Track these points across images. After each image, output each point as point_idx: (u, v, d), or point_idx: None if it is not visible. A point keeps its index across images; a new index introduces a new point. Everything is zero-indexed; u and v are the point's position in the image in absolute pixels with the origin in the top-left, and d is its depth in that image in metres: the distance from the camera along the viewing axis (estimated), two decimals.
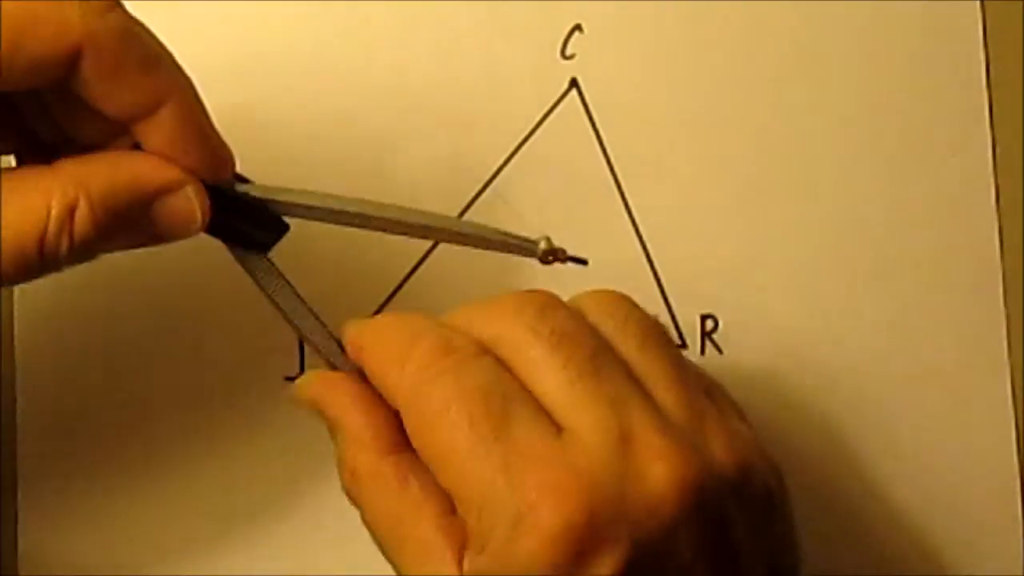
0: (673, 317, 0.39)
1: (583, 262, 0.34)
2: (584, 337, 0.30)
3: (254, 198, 0.32)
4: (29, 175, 0.29)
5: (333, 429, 0.32)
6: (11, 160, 0.31)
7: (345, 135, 0.40)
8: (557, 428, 0.29)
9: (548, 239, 0.33)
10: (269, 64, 0.40)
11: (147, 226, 0.30)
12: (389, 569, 0.39)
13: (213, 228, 0.31)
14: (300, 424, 0.39)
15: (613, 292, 0.33)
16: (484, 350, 0.30)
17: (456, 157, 0.40)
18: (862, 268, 0.40)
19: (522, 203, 0.40)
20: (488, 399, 0.29)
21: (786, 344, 0.39)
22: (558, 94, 0.40)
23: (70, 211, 0.28)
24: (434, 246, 0.40)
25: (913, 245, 0.40)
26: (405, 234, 0.33)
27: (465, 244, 0.33)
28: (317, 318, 0.33)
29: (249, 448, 0.39)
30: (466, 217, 0.40)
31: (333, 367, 0.33)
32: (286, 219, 0.32)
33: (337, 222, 0.33)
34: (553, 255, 0.33)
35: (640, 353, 0.31)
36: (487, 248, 0.33)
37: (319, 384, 0.33)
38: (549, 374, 0.30)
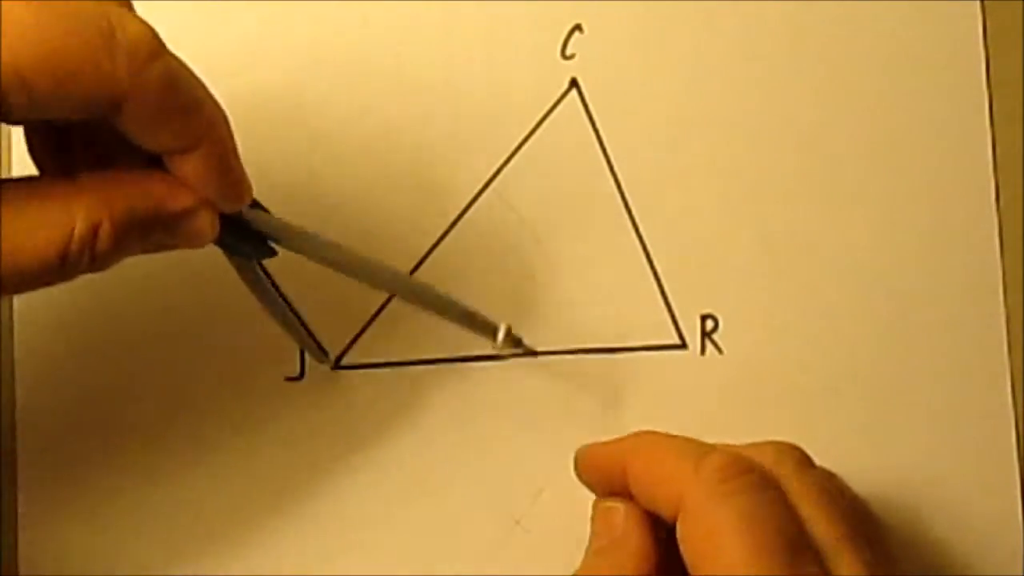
0: (673, 317, 0.39)
1: (534, 354, 0.37)
2: (841, 497, 0.32)
3: (254, 225, 0.33)
4: (54, 189, 0.29)
5: (606, 540, 0.34)
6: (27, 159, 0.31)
7: (345, 135, 0.40)
8: None
9: (509, 328, 0.36)
10: (268, 64, 0.40)
11: (159, 239, 0.31)
12: (388, 568, 0.39)
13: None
14: (300, 424, 0.39)
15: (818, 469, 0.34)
16: (771, 482, 0.31)
17: (456, 157, 0.40)
18: (862, 268, 0.40)
19: (522, 203, 0.40)
20: (783, 535, 0.30)
21: (786, 344, 0.39)
22: (558, 94, 0.40)
23: (93, 230, 0.29)
24: (434, 246, 0.40)
25: (913, 245, 0.40)
26: (381, 289, 0.36)
27: (432, 311, 0.36)
28: (297, 316, 0.37)
29: (249, 448, 0.39)
30: (466, 217, 0.40)
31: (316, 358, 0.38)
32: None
33: (324, 264, 0.34)
34: (506, 345, 0.36)
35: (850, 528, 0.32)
36: (450, 319, 0.36)
37: (609, 506, 0.34)
38: (821, 527, 0.31)
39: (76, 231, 0.29)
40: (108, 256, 0.30)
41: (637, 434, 0.35)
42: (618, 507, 0.34)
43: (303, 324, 0.38)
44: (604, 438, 0.38)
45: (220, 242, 0.33)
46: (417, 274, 0.39)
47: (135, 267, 0.38)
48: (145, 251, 0.31)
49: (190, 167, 0.30)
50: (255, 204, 0.33)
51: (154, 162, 0.31)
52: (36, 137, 0.31)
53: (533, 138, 0.40)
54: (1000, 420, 0.39)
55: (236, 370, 0.39)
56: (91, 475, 0.39)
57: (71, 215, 0.29)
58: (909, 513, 0.39)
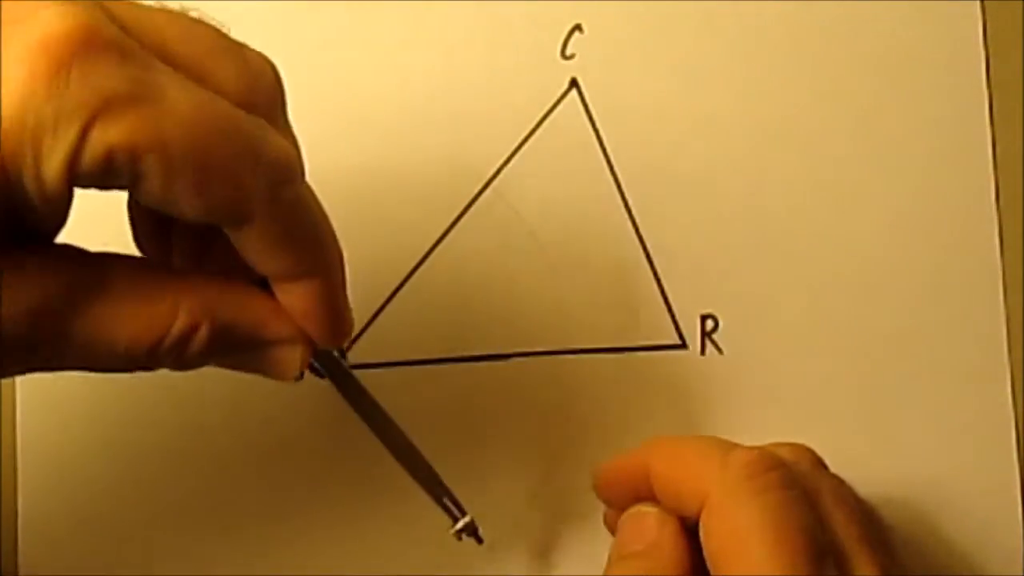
0: (673, 317, 0.40)
1: (479, 541, 0.36)
2: (854, 500, 0.32)
3: (325, 364, 0.33)
4: (162, 279, 0.28)
5: (639, 545, 0.33)
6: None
7: (345, 135, 0.40)
8: None
9: (472, 520, 0.36)
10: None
11: (247, 360, 0.30)
12: (387, 568, 0.39)
13: None
14: (300, 425, 0.39)
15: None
16: (796, 480, 0.31)
17: (456, 157, 0.40)
18: (862, 268, 0.40)
19: (522, 203, 0.40)
20: (807, 535, 0.29)
21: (786, 344, 0.39)
22: (558, 94, 0.40)
23: (191, 331, 0.28)
24: (434, 246, 0.40)
25: (913, 245, 0.40)
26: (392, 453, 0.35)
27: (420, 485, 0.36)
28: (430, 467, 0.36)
29: (249, 448, 0.39)
30: (466, 217, 0.40)
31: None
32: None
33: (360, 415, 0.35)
34: (465, 532, 0.36)
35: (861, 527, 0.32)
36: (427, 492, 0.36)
37: (641, 511, 0.34)
38: (839, 528, 0.31)
39: (175, 327, 0.28)
40: (193, 360, 0.29)
41: (657, 438, 0.35)
42: (651, 511, 0.33)
43: (437, 478, 0.36)
44: (604, 438, 0.38)
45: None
46: (417, 272, 0.40)
47: None
48: (223, 365, 0.30)
49: (297, 297, 0.29)
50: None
51: (252, 277, 0.30)
52: (140, 215, 0.30)
53: (533, 138, 0.40)
54: (1000, 420, 0.39)
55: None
56: (91, 475, 0.39)
57: (174, 311, 0.28)
58: (909, 513, 0.39)
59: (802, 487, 0.31)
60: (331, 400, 0.39)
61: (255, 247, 0.28)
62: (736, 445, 0.32)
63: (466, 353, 0.39)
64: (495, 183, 0.40)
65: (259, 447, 0.39)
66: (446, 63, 0.41)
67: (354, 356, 0.39)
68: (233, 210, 0.27)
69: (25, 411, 0.39)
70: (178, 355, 0.28)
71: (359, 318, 0.40)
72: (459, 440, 0.39)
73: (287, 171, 0.28)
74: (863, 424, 0.39)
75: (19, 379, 0.39)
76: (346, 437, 0.39)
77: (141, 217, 0.31)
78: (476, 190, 0.40)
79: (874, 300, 0.39)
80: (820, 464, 0.34)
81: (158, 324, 0.28)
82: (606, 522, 0.37)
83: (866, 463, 0.38)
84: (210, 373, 0.39)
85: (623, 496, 0.35)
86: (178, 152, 0.25)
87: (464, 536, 0.35)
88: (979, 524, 0.39)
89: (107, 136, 0.24)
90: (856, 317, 0.39)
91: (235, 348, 0.30)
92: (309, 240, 0.29)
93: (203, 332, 0.28)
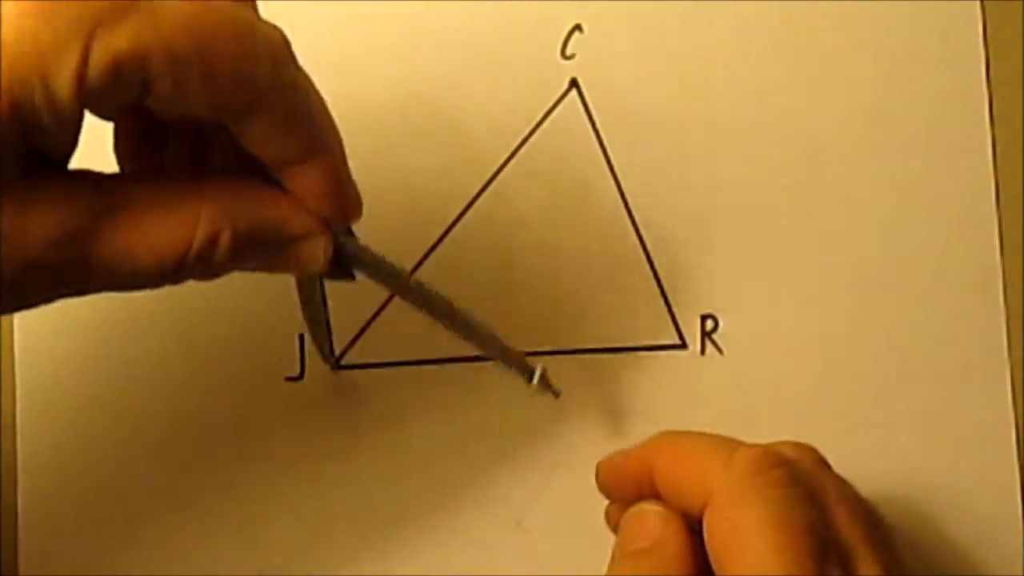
0: (673, 317, 0.39)
1: (557, 394, 0.37)
2: (856, 499, 0.32)
3: (350, 253, 0.32)
4: (180, 191, 0.29)
5: (644, 543, 0.33)
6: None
7: (344, 135, 0.40)
8: None
9: (545, 373, 0.36)
10: None
11: (272, 259, 0.31)
12: (386, 568, 0.39)
13: None
14: (300, 424, 0.39)
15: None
16: (800, 478, 0.31)
17: (456, 157, 0.40)
18: (862, 268, 0.40)
19: (522, 203, 0.40)
20: (811, 534, 0.29)
21: (786, 344, 0.39)
22: (558, 94, 0.40)
23: (214, 239, 0.28)
24: (434, 246, 0.40)
25: (913, 245, 0.40)
26: (447, 328, 0.35)
27: (485, 354, 0.37)
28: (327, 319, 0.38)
29: (249, 448, 0.39)
30: (466, 217, 0.40)
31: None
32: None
33: (400, 296, 0.35)
34: (545, 385, 0.36)
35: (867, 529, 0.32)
36: (496, 359, 0.36)
37: (644, 508, 0.33)
38: (842, 527, 0.30)
39: (197, 238, 0.28)
40: (221, 267, 0.29)
41: (661, 434, 0.35)
42: (655, 510, 0.33)
43: (328, 326, 0.38)
44: (604, 438, 0.38)
45: None
46: (417, 272, 0.40)
47: None
48: (254, 269, 0.31)
49: (308, 179, 0.30)
50: (349, 231, 0.33)
51: (256, 174, 0.30)
52: (127, 134, 0.31)
53: (533, 138, 0.40)
54: (1000, 420, 0.39)
55: (236, 370, 0.39)
56: (91, 475, 0.39)
57: (195, 221, 0.28)
58: (909, 513, 0.39)
59: (806, 485, 0.31)
60: (331, 401, 0.40)
61: (263, 134, 0.28)
62: (740, 443, 0.32)
63: (466, 353, 0.39)
64: (495, 183, 0.40)
65: (259, 447, 0.39)
66: (446, 63, 0.41)
67: (354, 356, 0.39)
68: (241, 100, 0.27)
69: (25, 411, 0.39)
70: (204, 264, 0.29)
71: (359, 318, 0.40)
72: (459, 440, 0.39)
73: (283, 51, 0.28)
74: (863, 424, 0.39)
75: (19, 380, 0.39)
76: (347, 437, 0.39)
77: (130, 143, 0.31)
78: (476, 190, 0.40)
79: (874, 300, 0.39)
80: (823, 463, 0.34)
81: (181, 236, 0.28)
82: (608, 519, 0.37)
83: (866, 463, 0.38)
84: (210, 368, 0.39)
85: (626, 492, 0.35)
86: (182, 49, 0.26)
87: (543, 388, 0.36)
88: (979, 524, 0.39)
89: (110, 46, 0.25)
90: (856, 317, 0.39)
91: (259, 249, 0.30)
92: (312, 119, 0.29)
93: (226, 237, 0.29)
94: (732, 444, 0.32)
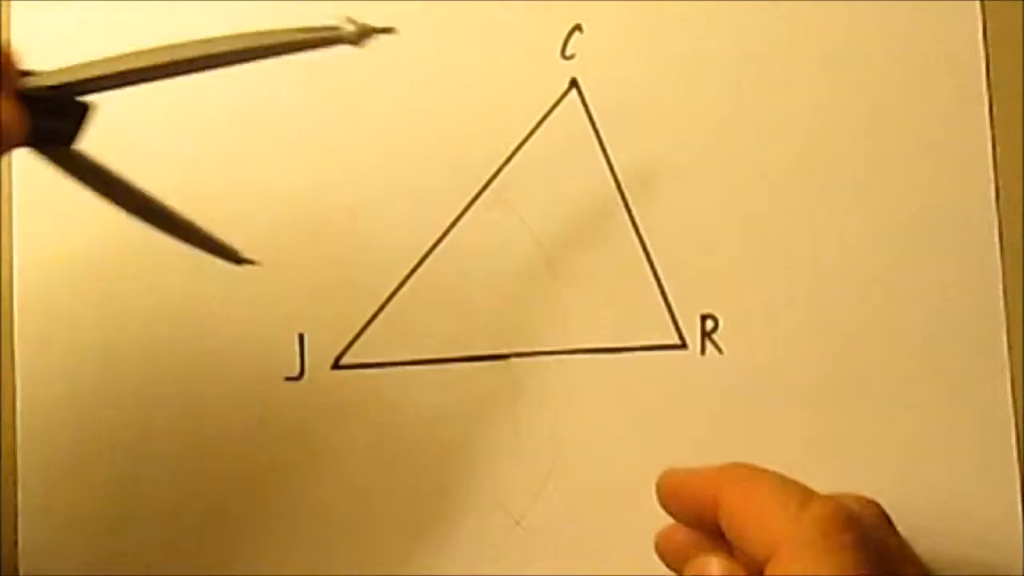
0: (673, 317, 0.39)
1: (389, 30, 0.32)
2: (919, 560, 0.32)
3: (47, 88, 0.30)
4: None
5: None
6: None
7: (345, 135, 0.40)
8: None
9: (351, 19, 0.31)
10: (268, 65, 0.40)
11: None
12: (385, 567, 0.39)
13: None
14: (299, 424, 0.39)
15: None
16: (870, 541, 0.30)
17: (456, 157, 0.40)
18: (862, 268, 0.40)
19: (522, 203, 0.40)
20: None
21: (786, 344, 0.39)
22: (558, 94, 0.40)
23: None
24: (434, 246, 0.40)
25: (913, 246, 0.40)
26: (209, 67, 0.31)
27: (268, 54, 0.32)
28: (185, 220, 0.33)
29: (249, 447, 0.39)
30: (466, 217, 0.40)
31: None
32: (86, 99, 0.31)
33: (134, 83, 0.31)
34: (363, 35, 0.32)
35: None
36: (292, 49, 0.32)
37: (707, 561, 0.33)
38: None
39: None
40: None
41: (731, 465, 0.33)
42: (716, 562, 0.32)
43: (196, 227, 0.34)
44: (604, 438, 0.38)
45: (31, 138, 0.30)
46: (417, 272, 0.40)
47: (134, 268, 0.38)
48: None
49: None
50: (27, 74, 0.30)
51: None
52: None
53: (533, 138, 0.40)
54: (1000, 420, 0.39)
55: (236, 370, 0.39)
56: (91, 475, 0.39)
57: None
58: (909, 513, 0.39)
59: (874, 547, 0.30)
60: (330, 400, 0.40)
61: None
62: (811, 493, 0.31)
63: (466, 353, 0.39)
64: (495, 183, 0.40)
65: (259, 446, 0.39)
66: (446, 63, 0.41)
67: (354, 356, 0.39)
68: None
69: (25, 411, 0.39)
70: None
71: (359, 318, 0.40)
72: (459, 440, 0.39)
73: None
74: (863, 424, 0.39)
75: (19, 380, 0.39)
76: (345, 437, 0.39)
77: None
78: (476, 190, 0.40)
79: (874, 300, 0.39)
80: (887, 519, 0.33)
81: None
82: (657, 547, 0.35)
83: (866, 463, 0.38)
84: (210, 368, 0.39)
85: (685, 512, 0.34)
86: None
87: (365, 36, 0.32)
88: (979, 524, 0.39)
89: None
90: (856, 317, 0.39)
91: None
92: None
93: None
94: (804, 494, 0.31)
